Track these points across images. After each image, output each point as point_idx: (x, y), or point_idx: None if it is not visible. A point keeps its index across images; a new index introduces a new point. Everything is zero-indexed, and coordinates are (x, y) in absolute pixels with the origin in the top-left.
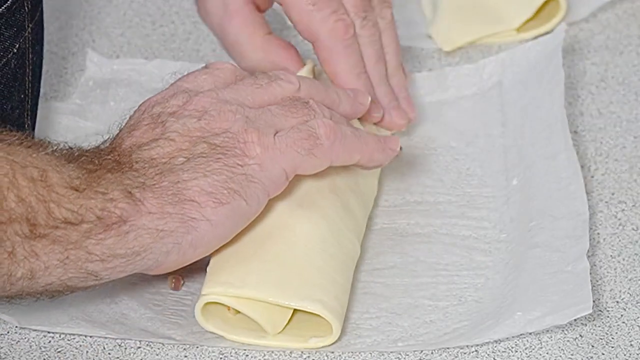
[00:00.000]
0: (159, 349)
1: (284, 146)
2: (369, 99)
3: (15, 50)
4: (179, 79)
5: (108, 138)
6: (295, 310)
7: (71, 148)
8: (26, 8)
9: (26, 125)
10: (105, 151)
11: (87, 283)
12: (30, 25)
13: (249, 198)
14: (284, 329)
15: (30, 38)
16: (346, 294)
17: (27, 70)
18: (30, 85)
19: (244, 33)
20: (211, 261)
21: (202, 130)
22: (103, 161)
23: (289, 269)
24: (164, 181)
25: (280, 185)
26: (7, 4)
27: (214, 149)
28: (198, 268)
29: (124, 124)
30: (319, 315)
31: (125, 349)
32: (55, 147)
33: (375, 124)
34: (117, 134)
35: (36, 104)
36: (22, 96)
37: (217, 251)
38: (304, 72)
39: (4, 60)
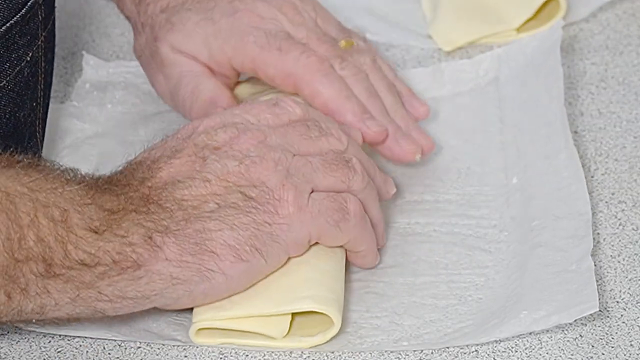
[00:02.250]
0: (159, 349)
1: (315, 211)
2: (395, 189)
3: (28, 59)
4: (242, 108)
5: (145, 151)
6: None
7: (99, 178)
8: (40, 17)
9: (37, 133)
10: (137, 181)
11: (94, 316)
12: (44, 34)
13: (269, 257)
14: (290, 329)
15: (43, 46)
16: (338, 280)
17: (40, 78)
18: (42, 94)
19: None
20: None
21: (240, 176)
22: (130, 197)
23: (273, 276)
24: (188, 228)
25: (302, 248)
26: (21, 13)
27: (246, 201)
28: None
29: (164, 143)
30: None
31: (125, 349)
32: (80, 179)
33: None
34: (157, 157)
35: (47, 112)
36: (34, 104)
37: None
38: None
39: (18, 68)
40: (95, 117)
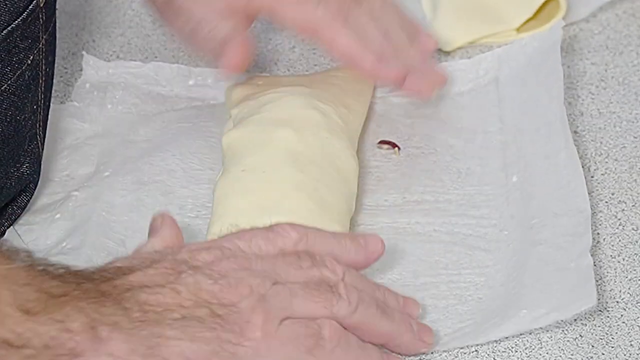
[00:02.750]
0: None
1: (285, 338)
2: (383, 246)
3: (29, 62)
4: (235, 233)
5: (122, 258)
6: None
7: (54, 264)
8: (41, 20)
9: (38, 136)
10: (99, 277)
11: None
12: (44, 37)
13: None
14: None
15: (44, 49)
16: None
17: (40, 81)
18: (42, 97)
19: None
20: None
21: (212, 294)
22: (82, 288)
23: None
24: (144, 330)
25: None
26: (22, 16)
27: (213, 318)
28: None
29: (146, 248)
30: None
31: None
32: (27, 260)
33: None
34: (132, 265)
35: (47, 114)
36: (35, 107)
37: None
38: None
39: (19, 72)
40: (96, 117)
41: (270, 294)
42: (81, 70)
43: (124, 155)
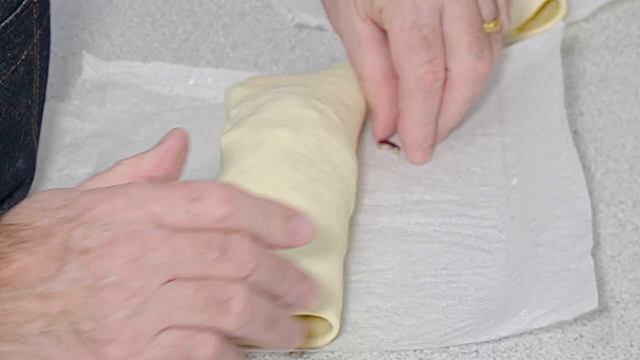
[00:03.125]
0: None
1: (152, 357)
2: (313, 235)
3: (23, 57)
4: (161, 189)
5: (32, 200)
6: None
7: None
8: (35, 15)
9: (32, 131)
10: None
11: None
12: (39, 32)
13: None
14: None
15: (38, 44)
16: (335, 282)
17: (35, 76)
18: (37, 92)
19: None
20: None
21: (82, 301)
22: None
23: None
24: None
25: None
26: (16, 12)
27: (75, 334)
28: None
29: (91, 183)
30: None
31: None
32: None
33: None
34: (25, 232)
35: (42, 109)
36: (30, 102)
37: None
38: None
39: (13, 67)
40: (95, 117)
41: (150, 303)
42: (81, 70)
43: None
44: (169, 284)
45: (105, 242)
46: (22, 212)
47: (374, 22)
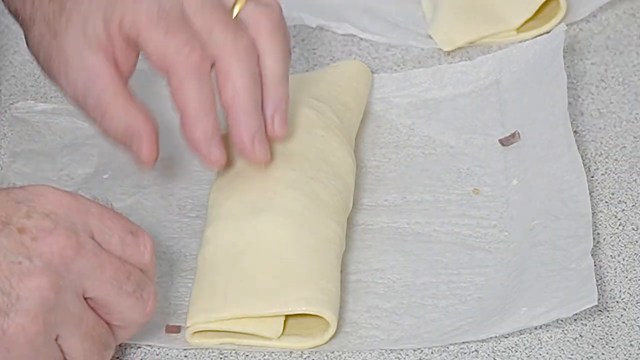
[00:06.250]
0: (158, 349)
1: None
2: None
3: None
4: (101, 212)
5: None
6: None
7: None
8: None
9: None
10: None
11: None
12: None
13: None
14: (285, 329)
15: None
16: (332, 279)
17: None
18: None
19: (108, 92)
20: (192, 293)
21: (3, 272)
22: None
23: (265, 278)
24: None
25: None
26: None
27: None
28: None
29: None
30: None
31: (126, 349)
32: None
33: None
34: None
35: None
36: None
37: (195, 283)
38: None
39: None
40: None
41: (59, 307)
42: None
43: (123, 155)
44: (78, 303)
45: (44, 228)
46: None
47: (107, 51)
